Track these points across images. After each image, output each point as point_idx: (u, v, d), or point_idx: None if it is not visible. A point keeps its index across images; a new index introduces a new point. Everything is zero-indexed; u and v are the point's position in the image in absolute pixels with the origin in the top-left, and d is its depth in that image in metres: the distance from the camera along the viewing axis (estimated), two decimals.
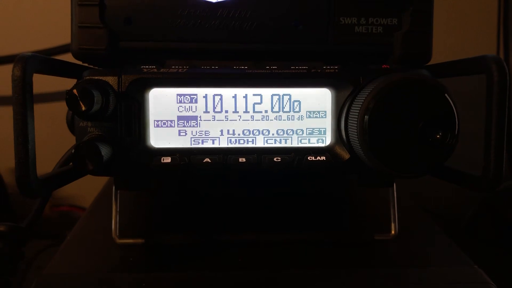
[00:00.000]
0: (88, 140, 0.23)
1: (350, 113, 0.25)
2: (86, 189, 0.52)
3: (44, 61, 0.23)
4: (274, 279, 0.26)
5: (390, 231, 0.31)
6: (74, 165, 0.23)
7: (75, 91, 0.22)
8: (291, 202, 0.36)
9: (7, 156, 0.58)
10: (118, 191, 0.30)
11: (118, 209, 0.30)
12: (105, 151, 0.23)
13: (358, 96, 0.25)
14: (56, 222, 0.79)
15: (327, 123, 0.27)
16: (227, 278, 0.26)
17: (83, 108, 0.22)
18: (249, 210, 0.35)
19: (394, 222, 0.31)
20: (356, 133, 0.24)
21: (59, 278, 0.26)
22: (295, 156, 0.26)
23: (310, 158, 0.26)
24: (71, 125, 0.29)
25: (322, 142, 0.27)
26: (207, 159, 0.26)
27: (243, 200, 0.36)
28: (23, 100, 0.20)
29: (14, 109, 0.21)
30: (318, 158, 0.26)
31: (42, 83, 0.26)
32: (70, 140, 0.38)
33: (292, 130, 0.27)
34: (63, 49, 0.50)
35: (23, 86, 0.21)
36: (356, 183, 0.30)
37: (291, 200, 0.36)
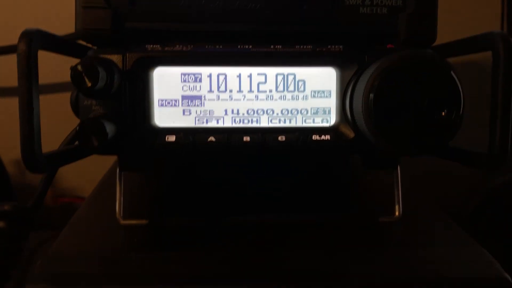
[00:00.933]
0: (92, 117, 0.23)
1: (355, 92, 0.25)
2: (89, 180, 0.52)
3: (49, 37, 0.23)
4: (279, 258, 0.26)
5: (394, 213, 0.31)
6: (79, 142, 0.23)
7: (79, 67, 0.22)
8: (296, 186, 0.36)
9: (9, 147, 0.59)
10: (122, 173, 0.30)
11: (122, 190, 0.30)
12: (109, 128, 0.23)
13: (363, 75, 0.25)
14: (58, 213, 0.79)
15: (332, 103, 0.27)
16: (231, 257, 0.26)
17: (88, 84, 0.22)
18: (254, 193, 0.35)
19: (398, 204, 0.31)
20: (361, 112, 0.24)
21: (63, 256, 0.26)
22: (300, 136, 0.26)
23: (314, 137, 0.26)
24: (75, 106, 0.29)
25: (327, 122, 0.27)
26: (211, 138, 0.26)
27: (247, 182, 0.36)
28: (28, 74, 0.20)
29: (19, 83, 0.21)
30: (323, 137, 0.26)
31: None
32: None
33: (296, 109, 0.27)
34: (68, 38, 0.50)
35: (27, 60, 0.21)
36: (360, 167, 0.30)
37: (296, 183, 0.36)
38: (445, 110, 0.23)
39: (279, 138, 0.26)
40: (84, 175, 0.65)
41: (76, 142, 0.24)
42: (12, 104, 0.69)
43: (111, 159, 0.45)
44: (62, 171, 0.77)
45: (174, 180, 0.37)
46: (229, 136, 0.26)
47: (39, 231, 0.71)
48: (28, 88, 0.21)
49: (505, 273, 0.25)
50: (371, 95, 0.24)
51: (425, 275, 0.25)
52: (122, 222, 0.30)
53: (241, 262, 0.26)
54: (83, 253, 0.27)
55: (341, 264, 0.26)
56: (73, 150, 0.25)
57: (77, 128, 0.23)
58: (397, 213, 0.31)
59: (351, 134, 0.26)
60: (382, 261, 0.26)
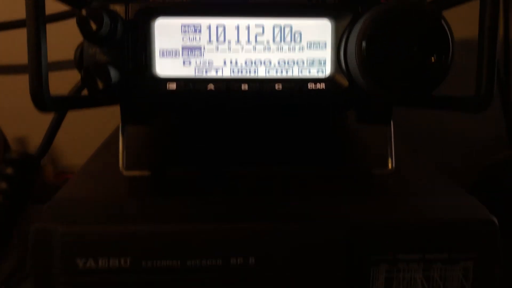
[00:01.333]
0: (97, 61, 0.24)
1: (349, 42, 0.26)
2: None
3: None
4: (274, 203, 0.27)
5: (387, 166, 0.32)
6: (85, 85, 0.24)
7: (84, 11, 0.23)
8: (292, 140, 0.37)
9: (11, 123, 0.60)
10: (125, 126, 0.31)
11: (124, 143, 0.31)
12: (113, 74, 0.25)
13: (356, 25, 0.26)
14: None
15: (327, 54, 0.28)
16: (229, 201, 0.27)
17: (94, 28, 0.23)
18: (251, 145, 0.36)
19: (391, 157, 0.32)
20: (354, 60, 0.25)
21: (69, 201, 0.27)
22: (296, 85, 0.27)
23: (310, 86, 0.27)
24: (79, 63, 0.30)
25: (322, 73, 0.28)
26: (211, 86, 0.27)
27: (245, 135, 0.37)
28: (36, 14, 0.21)
29: (27, 24, 0.22)
30: (318, 86, 0.27)
31: None
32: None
33: (293, 60, 0.28)
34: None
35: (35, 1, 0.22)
36: (354, 123, 0.31)
37: (292, 138, 0.38)
38: (435, 55, 0.24)
39: (276, 87, 0.27)
40: (86, 152, 0.66)
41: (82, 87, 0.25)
42: (13, 80, 0.70)
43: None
44: (63, 149, 0.79)
45: (175, 133, 0.39)
46: (228, 85, 0.27)
47: (39, 205, 0.72)
48: (36, 28, 0.22)
49: (492, 216, 0.27)
50: (364, 43, 0.25)
51: (414, 217, 0.26)
52: (125, 173, 0.31)
53: (238, 205, 0.27)
54: (88, 198, 0.28)
55: (334, 209, 0.27)
56: (80, 97, 0.26)
57: (82, 72, 0.24)
58: (390, 166, 0.32)
59: (345, 83, 0.27)
60: (373, 206, 0.28)
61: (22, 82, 0.72)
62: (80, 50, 0.31)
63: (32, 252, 0.25)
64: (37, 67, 0.22)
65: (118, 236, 0.25)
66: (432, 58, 0.24)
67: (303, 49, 0.28)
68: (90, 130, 0.67)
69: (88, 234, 0.25)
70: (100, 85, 0.24)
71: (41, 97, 0.22)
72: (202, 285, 0.25)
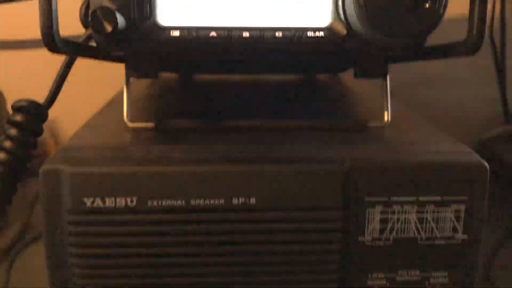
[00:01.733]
0: (104, 6, 0.25)
1: None
2: None
3: None
4: (274, 148, 0.28)
5: (383, 119, 0.33)
6: (92, 28, 0.24)
7: None
8: (290, 95, 0.38)
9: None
10: (130, 78, 0.32)
11: (129, 95, 0.32)
12: (119, 19, 0.25)
13: None
14: None
15: (326, 4, 0.28)
16: (233, 148, 0.28)
17: None
18: (252, 100, 0.37)
19: (387, 110, 0.33)
20: (352, 7, 0.26)
21: (76, 147, 0.28)
22: (296, 32, 0.28)
23: (309, 34, 0.28)
24: (85, 20, 0.31)
25: (321, 21, 0.29)
26: (213, 33, 0.27)
27: (246, 90, 0.38)
28: None
29: None
30: (317, 34, 0.28)
31: None
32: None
33: (293, 9, 0.28)
34: None
35: None
36: (351, 78, 0.32)
37: (290, 93, 0.39)
38: (429, 2, 0.25)
39: (276, 34, 0.28)
40: None
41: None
42: (18, 56, 0.71)
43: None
44: (65, 123, 0.80)
45: (178, 89, 0.40)
46: (229, 32, 0.28)
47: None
48: None
49: (483, 161, 0.28)
50: None
51: (408, 161, 0.28)
52: (130, 125, 0.32)
53: (240, 150, 0.28)
54: (94, 144, 0.29)
55: (331, 153, 0.28)
56: (88, 46, 0.27)
57: (90, 17, 0.25)
58: (385, 119, 0.33)
59: (343, 31, 0.28)
60: (368, 151, 0.29)
61: (25, 57, 0.73)
62: (85, 5, 0.31)
63: (42, 192, 0.26)
64: (47, 8, 0.22)
65: (125, 177, 0.26)
66: (426, 4, 0.25)
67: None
68: (90, 105, 0.68)
69: (95, 175, 0.26)
70: (108, 28, 0.24)
71: (51, 38, 0.23)
72: (205, 224, 0.27)
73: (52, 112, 0.31)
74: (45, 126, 0.30)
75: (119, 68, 0.32)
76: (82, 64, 0.45)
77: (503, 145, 0.78)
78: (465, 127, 0.82)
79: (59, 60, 0.31)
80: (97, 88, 0.57)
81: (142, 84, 0.42)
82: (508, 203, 0.71)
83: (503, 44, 0.81)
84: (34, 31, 0.25)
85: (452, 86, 0.87)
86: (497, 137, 0.80)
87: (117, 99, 0.40)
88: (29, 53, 0.75)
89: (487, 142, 0.78)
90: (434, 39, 0.28)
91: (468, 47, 0.25)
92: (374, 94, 0.36)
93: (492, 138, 0.80)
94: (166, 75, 0.49)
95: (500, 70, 0.83)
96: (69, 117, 0.70)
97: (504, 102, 0.84)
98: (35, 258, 0.56)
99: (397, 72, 0.89)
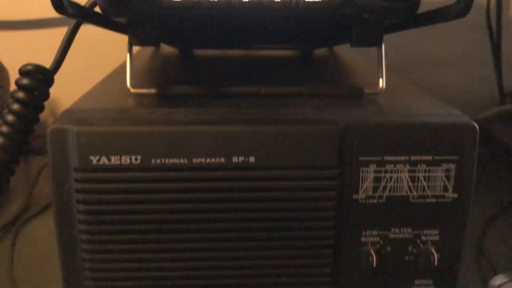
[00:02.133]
0: None
1: None
2: None
3: None
4: (272, 110, 0.30)
5: (378, 86, 0.34)
6: None
7: None
8: (289, 65, 0.39)
9: None
10: (132, 46, 0.33)
11: (131, 62, 0.33)
12: None
13: None
14: None
15: None
16: (233, 111, 0.29)
17: None
18: (251, 70, 0.38)
19: (382, 77, 0.34)
20: None
21: (81, 110, 0.30)
22: None
23: None
24: None
25: None
26: None
27: (246, 63, 0.39)
28: None
29: None
30: None
31: None
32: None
33: None
34: None
35: None
36: (348, 55, 0.33)
37: (289, 63, 0.40)
38: None
39: None
40: None
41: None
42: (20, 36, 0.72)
43: None
44: (63, 102, 0.81)
45: (179, 60, 0.41)
46: None
47: (40, 156, 0.75)
48: None
49: (473, 122, 0.29)
50: None
51: (401, 121, 0.29)
52: (133, 91, 0.33)
53: (240, 112, 0.29)
54: (98, 107, 0.30)
55: (327, 114, 0.29)
56: (94, 12, 0.28)
57: None
58: (380, 86, 0.34)
59: None
60: (363, 113, 0.30)
61: (28, 36, 0.74)
62: None
63: (50, 151, 0.27)
64: None
65: (130, 136, 0.27)
66: None
67: None
68: (90, 86, 0.69)
69: (101, 134, 0.27)
70: None
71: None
72: (206, 181, 0.28)
73: (53, 93, 0.32)
74: (45, 105, 0.31)
75: (119, 50, 0.33)
76: (82, 46, 0.46)
77: (498, 125, 0.79)
78: (461, 107, 0.83)
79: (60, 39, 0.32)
80: (97, 70, 0.58)
81: (143, 58, 0.43)
82: (502, 180, 0.72)
83: (499, 25, 0.82)
84: (37, 11, 0.25)
85: (448, 67, 0.87)
86: (492, 117, 0.81)
87: (119, 69, 0.42)
88: (31, 33, 0.76)
89: (483, 122, 0.80)
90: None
91: (458, 10, 0.26)
92: (370, 67, 0.37)
93: (487, 117, 0.81)
94: (167, 51, 0.50)
95: (496, 51, 0.84)
96: (69, 97, 0.71)
97: (500, 83, 0.85)
98: (39, 230, 0.58)
99: (394, 53, 0.90)
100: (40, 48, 0.69)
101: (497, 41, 0.83)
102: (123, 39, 0.33)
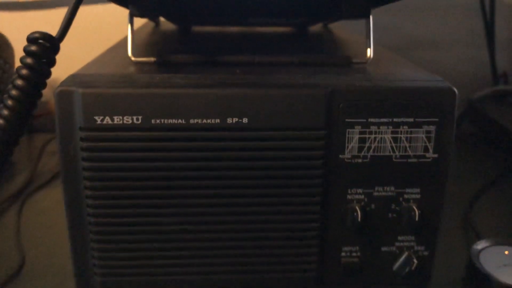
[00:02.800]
0: None
1: None
2: None
3: None
4: (265, 77, 0.31)
5: (366, 55, 0.36)
6: None
7: None
8: (283, 38, 0.41)
9: None
10: (133, 17, 0.35)
11: (132, 32, 0.35)
12: None
13: None
14: None
15: None
16: (228, 76, 0.31)
17: None
18: (246, 42, 0.40)
19: (370, 48, 0.36)
20: None
21: (85, 75, 0.31)
22: None
23: None
24: None
25: None
26: None
27: (241, 37, 0.41)
28: None
29: None
30: None
31: None
32: None
33: None
34: None
35: None
36: (342, 27, 0.35)
37: (283, 37, 0.42)
38: None
39: None
40: None
41: None
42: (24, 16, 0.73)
43: None
44: None
45: (177, 35, 0.42)
46: None
47: (44, 133, 0.77)
48: None
49: (453, 87, 0.31)
50: None
51: (385, 86, 0.31)
52: (133, 59, 0.35)
53: (234, 77, 0.31)
54: (102, 73, 0.32)
55: (316, 79, 0.31)
56: None
57: None
58: (368, 55, 0.36)
59: None
60: (349, 78, 0.32)
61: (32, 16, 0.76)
62: None
63: (57, 112, 0.29)
64: None
65: (131, 98, 0.29)
66: None
67: None
68: None
69: (105, 95, 0.29)
70: None
71: None
72: (203, 141, 0.30)
73: (55, 73, 0.34)
74: (47, 85, 0.33)
75: (120, 32, 0.34)
76: (84, 27, 0.47)
77: (491, 104, 0.81)
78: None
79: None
80: (98, 50, 0.60)
81: (144, 34, 0.45)
82: (492, 156, 0.75)
83: (492, 8, 0.84)
84: None
85: (443, 49, 0.89)
86: (485, 97, 0.83)
87: (120, 43, 0.43)
88: (36, 13, 0.78)
89: (476, 102, 0.82)
90: None
91: None
92: (360, 42, 0.39)
93: (480, 98, 0.83)
94: (166, 27, 0.52)
95: (490, 34, 0.85)
96: None
97: (493, 64, 0.87)
98: (44, 201, 0.60)
99: (390, 35, 0.92)
100: (44, 28, 0.71)
101: (490, 24, 0.85)
102: (122, 23, 0.34)
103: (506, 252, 0.44)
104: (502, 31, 0.88)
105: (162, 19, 0.53)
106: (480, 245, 0.45)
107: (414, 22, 0.88)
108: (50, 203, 0.59)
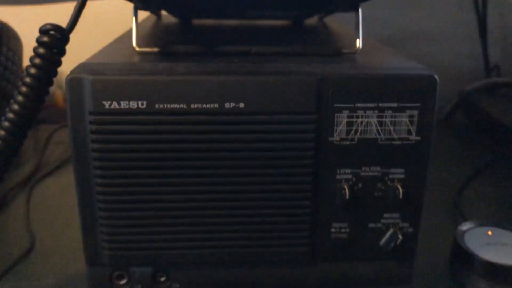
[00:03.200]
0: None
1: None
2: None
3: None
4: (260, 65, 0.34)
5: (355, 46, 0.38)
6: None
7: None
8: (278, 31, 0.44)
9: None
10: (137, 10, 0.37)
11: (136, 23, 0.37)
12: None
13: None
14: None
15: None
16: (226, 64, 0.34)
17: None
18: (244, 34, 0.42)
19: (359, 39, 0.38)
20: None
21: (94, 64, 0.34)
22: None
23: None
24: None
25: None
26: None
27: (239, 29, 0.44)
28: None
29: None
30: None
31: None
32: None
33: None
34: None
35: None
36: (336, 21, 0.38)
37: (279, 30, 0.44)
38: None
39: None
40: None
41: None
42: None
43: None
44: None
45: (179, 28, 0.45)
46: None
47: (49, 124, 0.80)
48: None
49: (435, 74, 0.33)
50: None
51: (371, 73, 0.33)
52: (138, 49, 0.37)
53: (232, 66, 0.34)
54: (108, 62, 0.34)
55: (307, 67, 0.34)
56: None
57: None
58: (357, 46, 0.38)
59: None
60: (338, 66, 0.34)
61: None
62: None
63: (68, 98, 0.32)
64: None
65: (137, 84, 0.32)
66: None
67: None
68: None
69: (113, 82, 0.31)
70: None
71: None
72: (202, 124, 0.32)
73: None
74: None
75: (120, 27, 0.36)
76: (88, 22, 0.50)
77: (483, 96, 0.84)
78: (448, 80, 0.87)
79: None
80: (101, 44, 0.63)
81: (147, 27, 0.48)
82: (482, 146, 0.77)
83: (485, 1, 0.86)
84: None
85: (437, 42, 0.92)
86: (478, 89, 0.86)
87: (124, 35, 0.46)
88: (42, 8, 0.80)
89: (469, 93, 0.84)
90: None
91: None
92: (352, 35, 0.42)
93: (473, 90, 0.86)
94: (168, 21, 0.54)
95: (482, 27, 0.88)
96: None
97: (485, 57, 0.89)
98: (51, 187, 0.63)
99: (384, 29, 0.94)
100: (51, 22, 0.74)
101: (483, 18, 0.88)
102: (122, 18, 0.37)
103: (489, 233, 0.46)
104: (494, 25, 0.90)
105: (163, 12, 0.55)
106: (465, 226, 0.47)
107: (408, 16, 0.90)
108: (57, 189, 0.61)
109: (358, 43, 0.38)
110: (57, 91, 0.85)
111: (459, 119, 0.87)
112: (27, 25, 0.73)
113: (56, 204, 0.57)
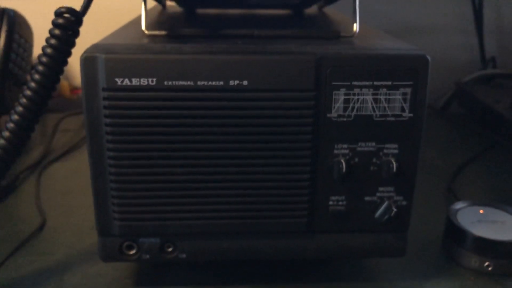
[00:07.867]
0: None
1: None
2: None
3: None
4: (263, 46, 0.36)
5: (353, 30, 0.40)
6: None
7: None
8: (279, 17, 0.46)
9: None
10: None
11: (146, 7, 0.39)
12: None
13: None
14: (74, 102, 0.89)
15: None
16: (231, 45, 0.36)
17: None
18: (247, 20, 0.44)
19: (356, 23, 0.40)
20: None
21: (107, 45, 0.36)
22: None
23: None
24: None
25: None
26: None
27: (242, 16, 0.46)
28: None
29: None
30: None
31: None
32: None
33: None
34: None
35: None
36: (336, 11, 0.40)
37: (280, 17, 0.46)
38: None
39: None
40: None
41: None
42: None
43: None
44: (77, 67, 0.88)
45: (184, 15, 0.47)
46: None
47: (56, 113, 0.82)
48: None
49: (427, 54, 0.35)
50: None
51: (367, 52, 0.35)
52: (147, 32, 0.39)
53: (237, 45, 0.36)
54: (120, 43, 0.36)
55: (306, 47, 0.36)
56: None
57: None
58: (354, 29, 0.40)
59: None
60: (336, 46, 0.36)
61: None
62: None
63: (82, 75, 0.34)
64: None
65: (147, 62, 0.34)
66: None
67: None
68: None
69: (125, 60, 0.34)
70: None
71: None
72: (208, 100, 0.35)
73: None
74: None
75: (123, 20, 0.38)
76: (94, 17, 0.52)
77: (479, 87, 0.86)
78: (445, 71, 0.90)
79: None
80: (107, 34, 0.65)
81: (153, 15, 0.50)
82: (477, 134, 0.80)
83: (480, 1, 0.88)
84: None
85: (434, 34, 0.94)
86: (474, 80, 0.88)
87: (133, 21, 0.48)
88: None
89: (465, 85, 0.87)
90: None
91: None
92: (349, 22, 0.44)
93: (469, 81, 0.88)
94: (173, 10, 0.56)
95: (478, 20, 0.90)
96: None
97: (482, 48, 0.91)
98: (60, 171, 0.65)
99: (381, 21, 0.96)
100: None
101: (479, 11, 0.90)
102: (124, 12, 0.39)
103: (481, 211, 0.49)
104: (491, 17, 0.92)
105: (168, 2, 0.57)
106: (458, 205, 0.49)
107: (405, 9, 0.92)
108: (66, 173, 0.64)
109: (355, 27, 0.40)
110: (63, 81, 0.87)
111: (455, 109, 0.89)
112: (36, 13, 0.76)
113: (65, 186, 0.60)
